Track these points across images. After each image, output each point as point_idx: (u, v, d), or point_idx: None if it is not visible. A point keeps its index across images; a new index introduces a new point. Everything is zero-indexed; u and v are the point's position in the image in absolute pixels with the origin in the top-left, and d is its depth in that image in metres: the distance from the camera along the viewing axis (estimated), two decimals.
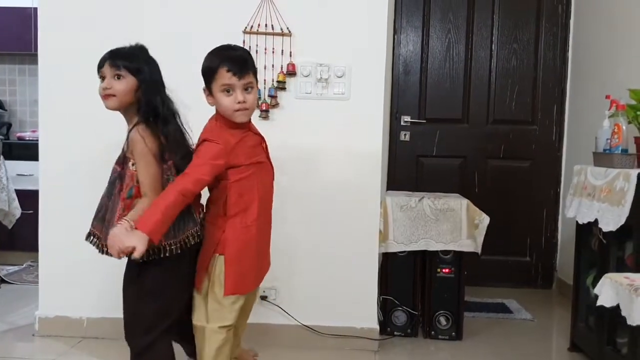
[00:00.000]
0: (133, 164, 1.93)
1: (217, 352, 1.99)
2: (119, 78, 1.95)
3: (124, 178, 1.95)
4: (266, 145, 2.13)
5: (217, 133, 1.93)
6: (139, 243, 1.73)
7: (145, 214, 1.79)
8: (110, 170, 2.04)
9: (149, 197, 1.89)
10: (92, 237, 2.01)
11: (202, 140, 1.95)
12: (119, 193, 1.95)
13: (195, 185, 1.86)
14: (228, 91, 1.90)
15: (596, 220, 2.46)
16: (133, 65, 1.96)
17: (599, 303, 1.96)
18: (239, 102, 1.89)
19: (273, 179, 2.13)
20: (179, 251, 1.93)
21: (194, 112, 2.82)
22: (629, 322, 1.78)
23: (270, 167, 2.11)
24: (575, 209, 2.70)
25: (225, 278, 1.95)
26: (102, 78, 1.98)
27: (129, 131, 1.96)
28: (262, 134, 2.13)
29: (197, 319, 2.03)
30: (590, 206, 2.53)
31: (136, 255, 1.75)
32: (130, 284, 2.00)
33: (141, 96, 1.97)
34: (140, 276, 1.96)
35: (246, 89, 1.90)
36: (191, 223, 1.97)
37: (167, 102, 2.03)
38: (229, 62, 1.89)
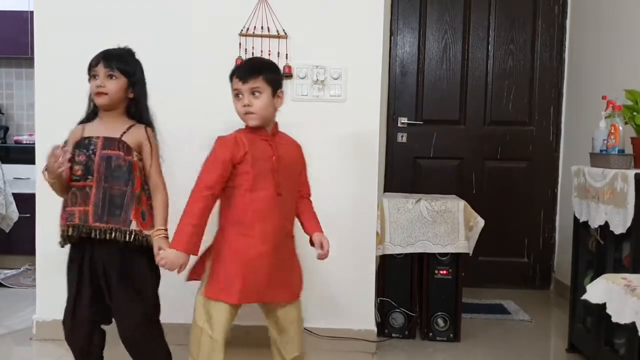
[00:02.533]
0: (139, 159, 2.10)
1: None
2: (112, 78, 2.06)
3: (135, 167, 2.07)
4: (280, 160, 2.01)
5: (235, 132, 2.01)
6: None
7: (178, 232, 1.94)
8: None
9: (163, 192, 2.14)
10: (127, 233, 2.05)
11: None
12: (133, 181, 2.06)
13: (201, 182, 1.97)
14: (238, 96, 1.98)
15: (606, 223, 2.44)
16: (125, 67, 2.09)
17: (584, 297, 1.95)
18: (244, 105, 1.95)
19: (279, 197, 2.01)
20: None
21: (194, 111, 2.82)
22: (615, 319, 1.78)
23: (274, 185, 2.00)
24: (587, 212, 2.66)
25: (208, 278, 2.02)
26: (93, 76, 2.08)
27: (127, 128, 2.09)
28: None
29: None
30: (597, 209, 2.52)
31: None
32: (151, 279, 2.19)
33: (134, 96, 2.12)
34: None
35: (253, 93, 1.95)
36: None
37: (149, 109, 2.19)
38: (238, 69, 2.02)
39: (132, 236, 2.03)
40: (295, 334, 2.09)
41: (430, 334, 3.00)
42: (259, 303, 2.08)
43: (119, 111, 2.12)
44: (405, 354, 2.87)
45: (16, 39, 4.22)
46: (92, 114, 2.16)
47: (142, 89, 2.14)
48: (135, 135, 2.09)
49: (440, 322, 2.99)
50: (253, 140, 1.97)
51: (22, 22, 4.11)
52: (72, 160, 2.03)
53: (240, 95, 1.96)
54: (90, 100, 2.15)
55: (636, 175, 2.23)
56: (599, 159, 2.61)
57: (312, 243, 2.10)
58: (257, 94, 1.95)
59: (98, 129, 2.09)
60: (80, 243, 2.05)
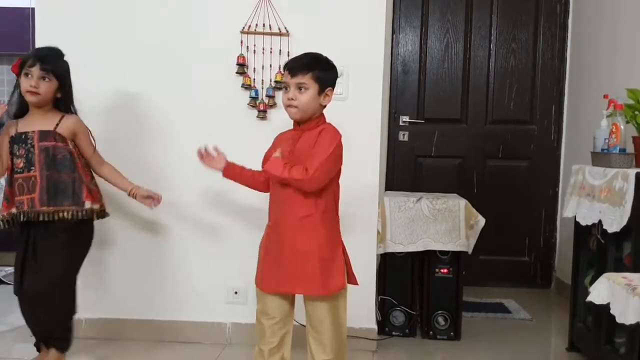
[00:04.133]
0: (74, 145, 2.34)
1: None
2: (45, 80, 2.26)
3: (74, 154, 2.33)
4: (293, 154, 2.01)
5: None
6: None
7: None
8: None
9: (108, 164, 2.45)
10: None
11: None
12: (76, 166, 2.33)
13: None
14: (285, 88, 2.01)
15: (600, 222, 2.45)
16: (58, 70, 2.29)
17: (588, 299, 1.95)
18: (288, 99, 1.98)
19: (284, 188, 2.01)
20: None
21: (195, 109, 2.83)
22: (620, 320, 1.78)
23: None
24: (574, 209, 2.70)
25: None
26: (26, 74, 2.26)
27: (60, 118, 2.33)
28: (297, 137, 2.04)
29: None
30: (591, 207, 2.52)
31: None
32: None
33: (62, 96, 2.33)
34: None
35: (299, 88, 1.97)
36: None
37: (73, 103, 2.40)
38: (290, 62, 2.04)
39: (85, 213, 2.31)
40: (325, 334, 2.01)
41: (431, 332, 3.00)
42: (276, 293, 2.04)
43: (48, 107, 2.32)
44: (405, 352, 2.88)
45: (17, 35, 4.21)
46: (23, 109, 2.34)
47: (70, 89, 2.35)
48: (67, 125, 2.32)
49: (441, 320, 3.00)
50: (286, 136, 2.06)
51: (23, 19, 4.10)
52: (12, 154, 2.28)
53: (287, 88, 1.99)
54: (20, 95, 2.32)
55: (637, 174, 2.23)
56: (600, 158, 2.61)
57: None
58: (302, 89, 1.97)
59: (32, 124, 2.30)
60: (25, 225, 2.31)
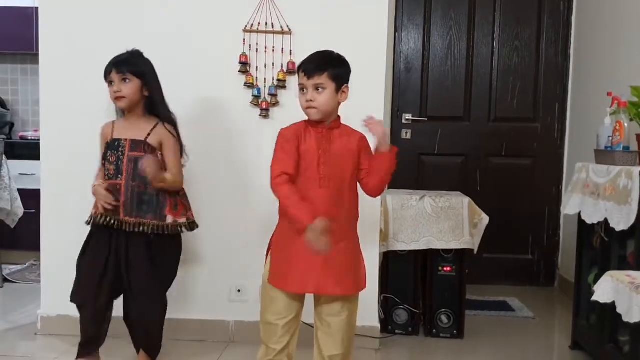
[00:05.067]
0: (162, 155, 2.31)
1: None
2: (126, 82, 2.26)
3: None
4: (326, 153, 2.00)
5: (297, 123, 2.05)
6: None
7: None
8: None
9: (175, 175, 2.33)
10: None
11: None
12: None
13: (273, 172, 1.97)
14: (302, 90, 2.00)
15: (605, 220, 2.44)
16: (136, 69, 2.28)
17: (593, 298, 1.96)
18: (307, 101, 1.98)
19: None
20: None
21: (197, 108, 2.83)
22: (626, 319, 1.78)
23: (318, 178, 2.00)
24: (576, 206, 2.68)
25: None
26: (110, 83, 2.28)
27: (153, 127, 2.32)
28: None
29: None
30: (596, 205, 2.51)
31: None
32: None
33: (149, 94, 2.32)
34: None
35: (317, 89, 1.97)
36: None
37: (166, 104, 2.38)
38: (304, 64, 2.02)
39: (169, 228, 2.29)
40: (339, 330, 2.02)
41: (434, 330, 3.00)
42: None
43: (140, 111, 2.33)
44: (408, 350, 2.88)
45: (21, 35, 4.23)
46: (121, 112, 2.38)
47: (155, 85, 2.33)
48: (158, 134, 2.31)
49: (444, 319, 2.99)
50: (307, 133, 2.02)
51: (27, 18, 4.11)
52: (105, 159, 2.31)
53: (305, 90, 1.99)
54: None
55: None
56: (603, 155, 2.61)
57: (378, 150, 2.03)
58: (320, 89, 1.97)
59: (125, 131, 2.31)
60: (108, 231, 2.29)
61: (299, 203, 1.91)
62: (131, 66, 2.27)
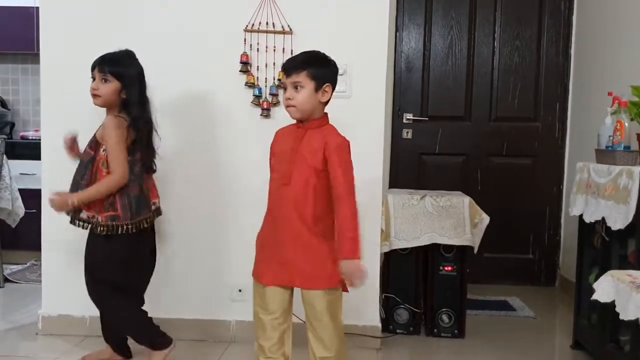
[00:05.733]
0: (104, 150, 2.27)
1: None
2: (105, 82, 2.27)
3: (95, 162, 2.28)
4: (296, 152, 2.02)
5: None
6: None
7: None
8: None
9: (109, 177, 2.25)
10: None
11: None
12: (93, 174, 2.29)
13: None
14: (285, 89, 2.03)
15: (603, 219, 2.45)
16: (118, 70, 2.28)
17: (593, 297, 1.96)
18: (286, 99, 2.00)
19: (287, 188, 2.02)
20: (134, 231, 2.30)
21: (199, 106, 2.83)
22: (622, 316, 1.78)
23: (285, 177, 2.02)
24: (581, 207, 2.68)
25: None
26: (93, 78, 2.30)
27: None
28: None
29: None
30: (596, 205, 2.52)
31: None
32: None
33: (126, 97, 2.29)
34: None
35: (295, 87, 1.98)
36: (146, 209, 2.35)
37: (145, 104, 2.35)
38: (285, 63, 2.07)
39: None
40: (324, 331, 2.01)
41: (435, 330, 3.00)
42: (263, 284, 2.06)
43: (116, 111, 2.31)
44: (409, 350, 2.88)
45: (22, 34, 4.23)
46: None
47: (134, 90, 2.30)
48: (101, 127, 2.32)
49: (445, 318, 2.99)
50: (287, 132, 2.07)
51: (27, 18, 4.11)
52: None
53: (286, 88, 2.02)
54: None
55: None
56: (604, 155, 2.61)
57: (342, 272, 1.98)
58: (298, 88, 1.98)
59: (99, 127, 2.35)
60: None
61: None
62: (114, 67, 2.27)
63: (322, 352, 2.02)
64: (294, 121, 2.07)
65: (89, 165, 2.29)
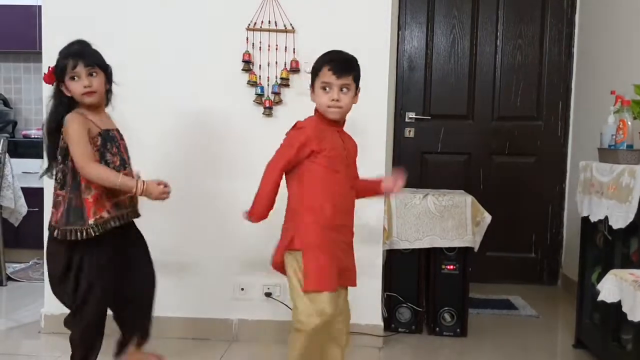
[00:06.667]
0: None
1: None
2: (93, 75, 2.10)
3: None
4: (348, 154, 2.10)
5: (309, 121, 2.06)
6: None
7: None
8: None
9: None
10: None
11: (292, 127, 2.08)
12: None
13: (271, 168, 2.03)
14: (325, 89, 2.00)
15: (606, 217, 2.45)
16: (101, 61, 2.14)
17: (599, 298, 1.96)
18: (333, 100, 1.98)
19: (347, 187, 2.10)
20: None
21: (200, 106, 2.83)
22: (630, 317, 1.78)
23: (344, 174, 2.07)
24: (588, 207, 2.67)
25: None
26: (72, 78, 2.08)
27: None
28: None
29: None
30: (599, 204, 2.51)
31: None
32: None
33: (110, 86, 2.20)
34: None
35: (342, 89, 1.99)
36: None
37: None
38: (332, 62, 2.01)
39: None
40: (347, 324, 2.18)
41: (437, 329, 3.00)
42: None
43: (104, 103, 2.21)
44: (411, 348, 2.88)
45: (24, 33, 4.23)
46: (68, 108, 2.13)
47: (112, 78, 2.21)
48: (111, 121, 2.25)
49: (447, 317, 2.99)
50: (327, 130, 2.04)
51: (30, 17, 4.11)
52: (107, 150, 2.13)
53: (328, 89, 1.99)
54: (62, 105, 2.13)
55: None
56: (607, 154, 2.60)
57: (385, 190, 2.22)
58: (345, 90, 1.99)
59: (101, 122, 2.16)
60: (110, 234, 2.14)
61: None
62: (96, 58, 2.12)
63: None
64: (301, 118, 2.07)
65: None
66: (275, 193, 2.01)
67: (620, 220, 2.32)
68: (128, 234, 2.27)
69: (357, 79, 2.03)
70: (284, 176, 2.03)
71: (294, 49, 2.73)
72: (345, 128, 2.11)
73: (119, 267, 2.22)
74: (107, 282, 2.16)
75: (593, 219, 2.58)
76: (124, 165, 2.17)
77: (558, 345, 3.07)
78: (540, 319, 3.36)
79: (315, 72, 2.05)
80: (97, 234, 2.07)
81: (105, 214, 2.10)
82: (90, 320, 2.16)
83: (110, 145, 2.14)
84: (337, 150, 2.02)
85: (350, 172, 2.10)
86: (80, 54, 2.09)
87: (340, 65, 2.00)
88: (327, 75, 1.99)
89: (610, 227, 2.44)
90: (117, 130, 2.22)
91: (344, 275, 2.06)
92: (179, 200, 2.77)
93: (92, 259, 2.11)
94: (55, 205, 2.14)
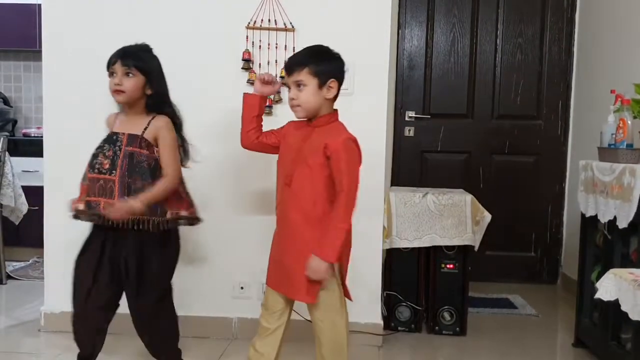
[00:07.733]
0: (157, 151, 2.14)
1: None
2: (129, 76, 2.12)
3: (152, 162, 2.13)
4: (299, 150, 1.99)
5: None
6: None
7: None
8: None
9: (166, 180, 2.12)
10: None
11: None
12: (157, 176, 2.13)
13: None
14: (289, 88, 1.99)
15: (605, 217, 2.45)
16: (142, 64, 2.14)
17: (596, 296, 1.96)
18: (290, 99, 1.97)
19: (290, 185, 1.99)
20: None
21: (201, 105, 2.82)
22: (632, 317, 1.78)
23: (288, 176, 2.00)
24: (593, 207, 2.66)
25: None
26: (111, 74, 2.13)
27: (151, 120, 2.16)
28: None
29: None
30: (606, 204, 2.50)
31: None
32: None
33: (153, 93, 2.17)
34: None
35: (298, 86, 1.95)
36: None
37: (171, 103, 2.24)
38: (286, 61, 2.03)
39: (167, 224, 2.15)
40: (320, 344, 2.06)
41: (437, 327, 3.00)
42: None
43: (139, 108, 2.18)
44: (411, 347, 2.88)
45: (24, 31, 4.23)
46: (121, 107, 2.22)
47: (160, 85, 2.19)
48: (153, 128, 2.15)
49: (447, 316, 2.99)
50: (297, 127, 2.02)
51: (30, 15, 4.11)
52: (101, 151, 2.14)
53: (289, 88, 1.97)
54: None
55: None
56: (607, 153, 2.60)
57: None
58: (301, 86, 1.94)
59: (124, 125, 2.17)
60: (100, 231, 2.14)
61: None
62: (138, 61, 2.12)
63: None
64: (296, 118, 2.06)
65: (148, 166, 2.12)
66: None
67: (623, 219, 2.31)
68: (124, 242, 2.16)
69: (317, 72, 1.92)
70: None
71: (293, 47, 2.72)
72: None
73: (108, 275, 2.17)
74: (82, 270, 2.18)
75: (602, 219, 2.54)
76: (110, 171, 2.10)
77: (557, 344, 3.07)
78: (539, 318, 3.36)
79: None
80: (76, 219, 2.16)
81: (80, 206, 2.15)
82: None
83: (107, 147, 2.13)
84: (289, 145, 2.01)
85: (294, 168, 1.96)
86: (123, 53, 2.14)
87: (289, 62, 1.99)
88: (284, 74, 2.00)
89: (610, 226, 2.44)
90: (131, 135, 2.13)
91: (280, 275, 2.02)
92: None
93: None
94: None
